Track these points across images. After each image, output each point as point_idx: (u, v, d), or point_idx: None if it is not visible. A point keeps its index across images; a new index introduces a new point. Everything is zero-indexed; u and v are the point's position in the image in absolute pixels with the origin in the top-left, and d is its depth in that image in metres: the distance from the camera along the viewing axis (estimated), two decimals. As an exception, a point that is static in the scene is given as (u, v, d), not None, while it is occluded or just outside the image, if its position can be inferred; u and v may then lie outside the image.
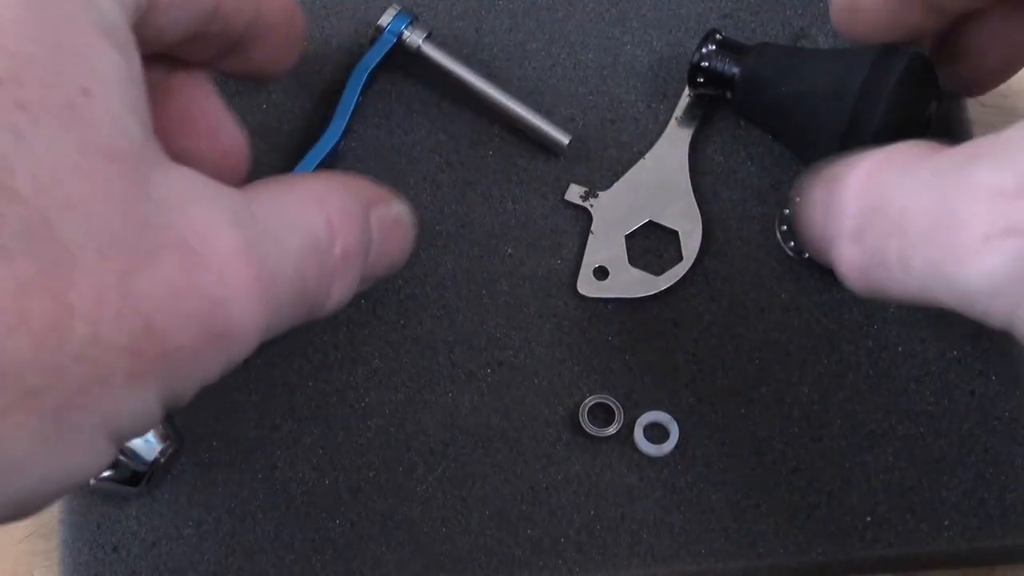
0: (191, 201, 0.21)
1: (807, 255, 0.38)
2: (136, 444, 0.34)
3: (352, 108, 0.39)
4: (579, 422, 0.37)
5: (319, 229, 0.24)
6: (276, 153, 0.40)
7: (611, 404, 0.37)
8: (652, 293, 0.38)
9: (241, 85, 0.39)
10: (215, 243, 0.21)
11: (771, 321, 0.38)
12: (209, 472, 0.37)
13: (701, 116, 0.41)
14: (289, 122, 0.41)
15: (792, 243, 0.38)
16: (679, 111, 0.41)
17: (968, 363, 0.38)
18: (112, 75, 0.21)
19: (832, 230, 0.26)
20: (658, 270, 0.39)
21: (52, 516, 0.36)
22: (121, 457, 0.34)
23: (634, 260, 0.39)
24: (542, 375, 0.38)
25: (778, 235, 0.39)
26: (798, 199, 0.28)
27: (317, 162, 0.38)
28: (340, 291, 0.25)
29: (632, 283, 0.38)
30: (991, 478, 0.36)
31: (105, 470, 0.22)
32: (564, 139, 0.40)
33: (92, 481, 0.34)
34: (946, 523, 0.36)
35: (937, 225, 0.22)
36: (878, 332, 0.38)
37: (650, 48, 0.42)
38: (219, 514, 0.36)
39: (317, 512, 0.36)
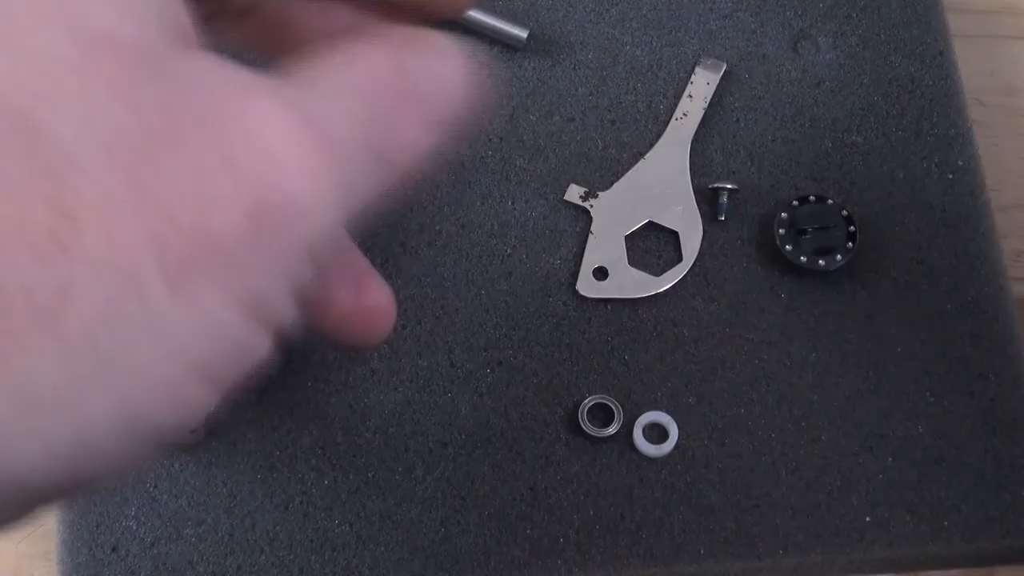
0: (222, 80, 0.18)
1: (806, 256, 0.38)
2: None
3: None
4: (579, 422, 0.37)
5: (370, 80, 0.21)
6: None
7: (611, 404, 0.37)
8: (652, 294, 0.38)
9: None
10: (252, 112, 0.18)
11: (771, 321, 0.38)
12: (208, 472, 0.36)
13: (701, 116, 0.41)
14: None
15: (791, 245, 0.38)
16: (679, 111, 0.41)
17: (968, 363, 0.38)
18: None
19: None
20: (658, 271, 0.39)
21: (51, 516, 0.36)
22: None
23: (634, 261, 0.39)
24: (541, 375, 0.38)
25: (777, 237, 0.39)
26: None
27: None
28: (413, 137, 0.22)
29: (632, 284, 0.38)
30: (991, 478, 0.36)
31: (204, 409, 0.18)
32: (522, 33, 0.41)
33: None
34: (946, 523, 0.36)
35: None
36: (878, 332, 0.38)
37: (650, 48, 0.42)
38: (218, 514, 0.36)
39: (316, 512, 0.36)
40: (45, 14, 0.17)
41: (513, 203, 0.40)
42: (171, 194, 0.17)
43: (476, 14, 0.40)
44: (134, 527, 0.36)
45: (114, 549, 0.36)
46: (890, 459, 0.37)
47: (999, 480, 0.36)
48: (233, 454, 0.37)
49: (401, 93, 0.21)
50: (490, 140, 0.41)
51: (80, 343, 0.16)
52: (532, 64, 0.42)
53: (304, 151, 0.18)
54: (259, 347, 0.18)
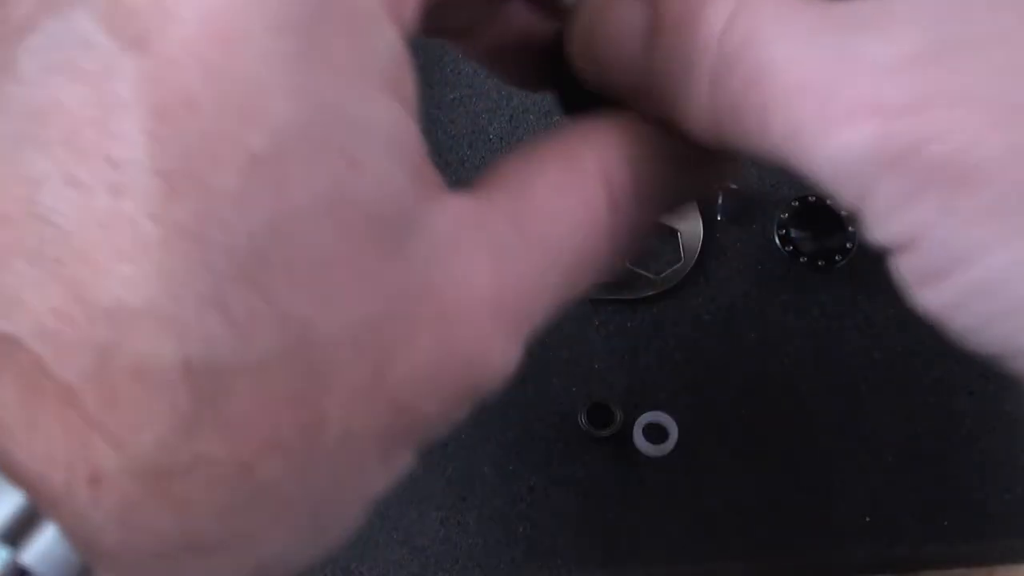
0: (453, 247, 0.18)
1: (806, 256, 0.38)
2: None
3: None
4: (579, 422, 0.37)
5: (595, 207, 0.21)
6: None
7: (611, 404, 0.37)
8: (652, 293, 0.38)
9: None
10: (470, 291, 0.19)
11: (771, 321, 0.38)
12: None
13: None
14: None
15: (791, 245, 0.38)
16: (679, 111, 0.41)
17: (968, 363, 0.38)
18: (382, 129, 0.17)
19: (683, 66, 0.22)
20: (658, 270, 0.39)
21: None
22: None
23: (634, 260, 0.39)
24: (541, 375, 0.38)
25: (776, 238, 0.39)
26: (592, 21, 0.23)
27: None
28: (619, 253, 0.22)
29: (632, 284, 0.38)
30: (991, 478, 0.36)
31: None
32: None
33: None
34: (946, 523, 0.36)
35: (804, 88, 0.20)
36: (878, 332, 0.38)
37: (650, 48, 0.42)
38: (218, 514, 0.36)
39: (316, 512, 0.36)
40: (325, 208, 0.16)
41: (513, 203, 0.40)
42: (403, 390, 0.18)
43: None
44: (134, 527, 0.36)
45: (114, 549, 0.36)
46: (890, 459, 0.37)
47: (999, 480, 0.36)
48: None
49: (618, 205, 0.21)
50: (490, 140, 0.41)
51: (306, 522, 0.18)
52: (532, 64, 0.42)
53: (509, 336, 0.20)
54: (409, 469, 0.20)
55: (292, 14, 0.16)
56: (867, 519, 0.36)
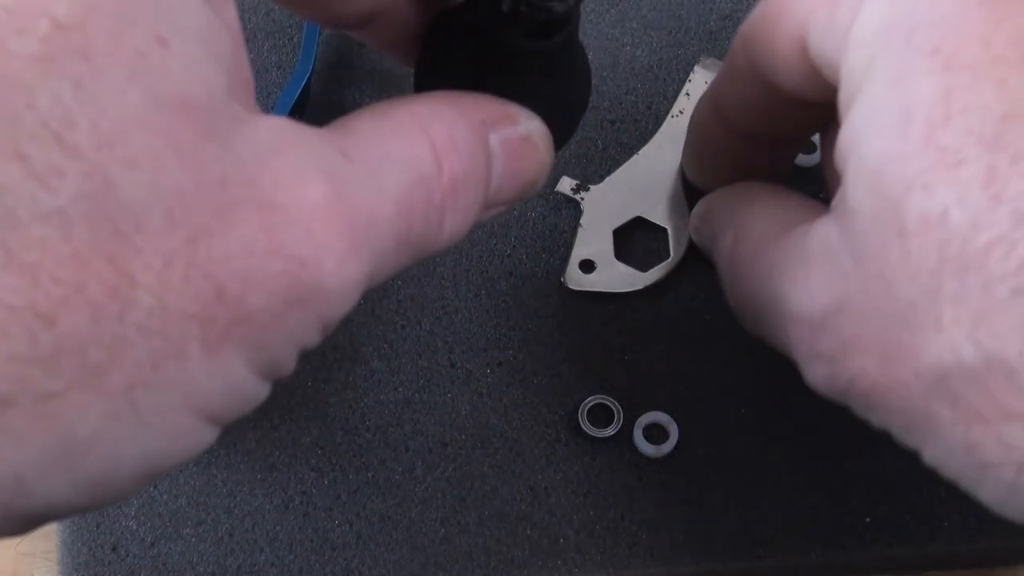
0: (276, 151, 0.19)
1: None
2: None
3: (316, 40, 0.38)
4: (578, 423, 0.37)
5: (422, 158, 0.22)
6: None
7: (610, 404, 0.37)
8: (638, 288, 0.38)
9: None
10: (301, 194, 0.19)
11: (771, 321, 0.38)
12: (208, 472, 0.37)
13: (701, 116, 0.41)
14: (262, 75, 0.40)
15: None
16: (675, 109, 0.41)
17: (968, 363, 0.38)
18: (195, 23, 0.19)
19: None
20: (644, 266, 0.39)
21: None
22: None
23: (621, 255, 0.39)
24: (541, 375, 0.38)
25: None
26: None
27: (291, 101, 0.38)
28: (454, 223, 0.23)
29: (618, 278, 0.38)
30: (991, 478, 0.36)
31: (206, 447, 0.20)
32: None
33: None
34: (946, 523, 0.36)
35: (771, 328, 0.26)
36: (878, 332, 0.38)
37: (650, 48, 0.42)
38: (218, 514, 0.36)
39: (316, 512, 0.36)
40: (131, 74, 0.18)
41: (513, 203, 0.40)
42: (221, 268, 0.18)
43: None
44: (134, 527, 0.36)
45: (114, 549, 0.36)
46: (890, 459, 0.37)
47: (999, 480, 0.36)
48: (233, 454, 0.37)
49: (457, 179, 0.23)
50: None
51: (120, 399, 0.17)
52: (532, 64, 0.42)
53: (344, 243, 0.20)
54: (262, 395, 0.20)
55: None
56: (867, 519, 0.36)
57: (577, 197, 0.39)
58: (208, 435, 0.20)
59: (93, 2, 0.17)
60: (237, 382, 0.19)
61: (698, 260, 0.39)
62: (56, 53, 0.17)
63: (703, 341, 0.38)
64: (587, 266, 0.39)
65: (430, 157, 0.22)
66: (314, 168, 0.20)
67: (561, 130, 0.28)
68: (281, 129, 0.20)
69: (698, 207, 0.35)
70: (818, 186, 0.40)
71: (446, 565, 0.36)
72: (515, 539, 0.36)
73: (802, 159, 0.40)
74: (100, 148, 0.17)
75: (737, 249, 0.29)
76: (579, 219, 0.39)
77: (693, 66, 0.42)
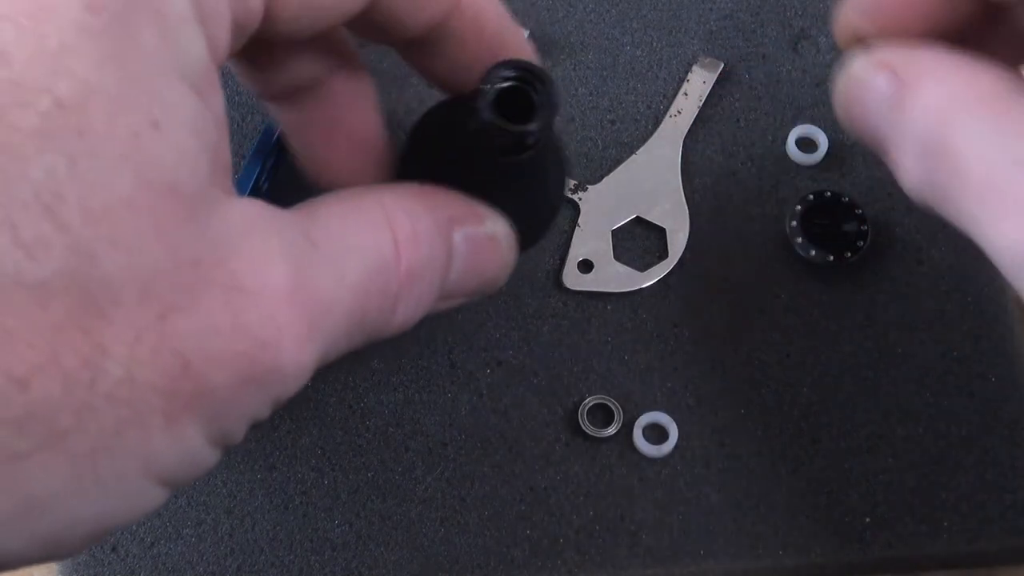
0: (247, 235, 0.20)
1: (813, 253, 0.38)
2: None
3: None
4: (578, 423, 0.37)
5: (383, 248, 0.23)
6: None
7: (610, 404, 0.37)
8: (635, 288, 0.38)
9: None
10: (265, 280, 0.20)
11: (771, 321, 0.38)
12: (207, 472, 0.36)
13: (696, 115, 0.41)
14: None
15: (800, 239, 0.38)
16: (673, 108, 0.41)
17: (968, 363, 0.38)
18: (185, 112, 0.20)
19: (893, 139, 0.25)
20: (642, 266, 0.39)
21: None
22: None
23: (619, 255, 0.39)
24: (541, 375, 0.38)
25: (788, 229, 0.38)
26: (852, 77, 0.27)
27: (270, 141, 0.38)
28: (407, 311, 0.25)
29: (616, 278, 0.38)
30: (991, 478, 0.36)
31: (158, 507, 0.21)
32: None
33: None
34: (946, 523, 0.36)
35: (985, 185, 0.23)
36: (878, 332, 0.38)
37: (650, 48, 0.42)
38: (217, 514, 0.36)
39: (315, 512, 0.36)
40: (124, 154, 0.19)
41: (513, 203, 0.40)
42: (188, 344, 0.19)
43: None
44: (134, 527, 0.36)
45: (114, 549, 0.36)
46: (890, 459, 0.37)
47: (999, 480, 0.36)
48: (233, 454, 0.37)
49: (414, 271, 0.24)
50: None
51: (83, 462, 0.18)
52: (532, 64, 0.42)
53: (302, 328, 0.21)
54: (212, 462, 0.21)
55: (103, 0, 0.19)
56: (867, 519, 0.36)
57: (575, 197, 0.39)
58: (160, 497, 0.21)
59: (94, 84, 0.18)
60: (192, 450, 0.20)
61: (698, 260, 0.39)
62: (54, 129, 0.18)
63: (703, 341, 0.38)
64: (585, 266, 0.39)
65: (390, 248, 0.24)
66: (280, 254, 0.21)
67: (529, 232, 0.29)
68: (253, 213, 0.21)
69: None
70: (819, 189, 0.40)
71: (446, 565, 0.36)
72: (515, 539, 0.36)
73: (802, 159, 0.40)
74: (87, 224, 0.18)
75: (953, 101, 0.24)
76: (577, 219, 0.39)
77: (690, 65, 0.42)
